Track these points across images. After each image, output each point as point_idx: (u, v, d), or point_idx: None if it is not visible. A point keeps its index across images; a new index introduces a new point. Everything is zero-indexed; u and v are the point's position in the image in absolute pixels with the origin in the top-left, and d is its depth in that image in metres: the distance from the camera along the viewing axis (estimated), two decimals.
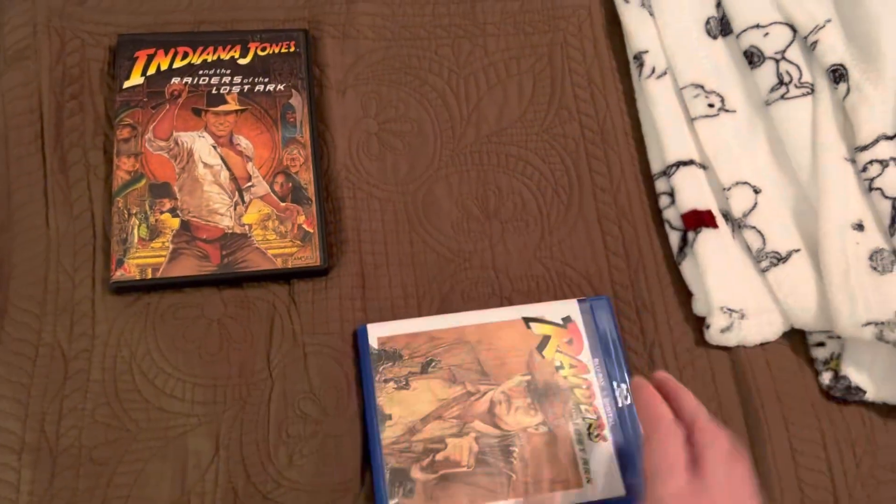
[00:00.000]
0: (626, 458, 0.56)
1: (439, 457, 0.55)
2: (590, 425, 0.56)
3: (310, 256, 0.59)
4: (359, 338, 0.57)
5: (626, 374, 0.58)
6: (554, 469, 0.54)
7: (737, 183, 0.62)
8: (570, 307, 0.60)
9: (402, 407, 0.55)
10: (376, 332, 0.57)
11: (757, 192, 0.62)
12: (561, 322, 0.59)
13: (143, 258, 0.57)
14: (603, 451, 0.55)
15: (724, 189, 0.62)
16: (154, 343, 0.56)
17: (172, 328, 0.57)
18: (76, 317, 0.56)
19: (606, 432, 0.56)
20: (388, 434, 0.55)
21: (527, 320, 0.59)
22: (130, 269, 0.57)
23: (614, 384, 0.58)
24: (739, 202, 0.61)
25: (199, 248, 0.58)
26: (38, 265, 0.57)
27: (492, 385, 0.57)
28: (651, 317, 0.61)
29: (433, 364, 0.57)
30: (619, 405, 0.57)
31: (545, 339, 0.59)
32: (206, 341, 0.57)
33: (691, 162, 0.63)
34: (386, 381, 0.56)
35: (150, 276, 0.57)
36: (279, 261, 0.58)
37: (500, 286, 0.61)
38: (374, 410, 0.55)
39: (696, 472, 0.43)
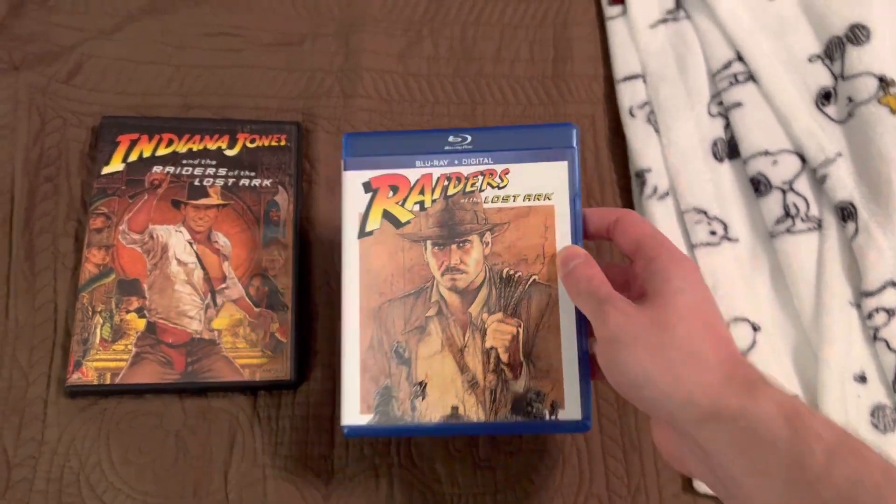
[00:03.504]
0: None
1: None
2: None
3: (280, 369, 0.55)
4: None
5: None
6: None
7: (735, 318, 0.59)
8: None
9: None
10: None
11: (756, 329, 0.59)
12: None
13: (103, 361, 0.54)
14: None
15: None
16: (106, 454, 0.53)
17: (127, 438, 0.53)
18: (26, 419, 0.53)
19: None
20: None
21: None
22: (88, 373, 0.53)
23: None
24: (737, 340, 0.58)
25: (164, 353, 0.55)
26: None
27: None
28: (638, 456, 0.57)
29: None
30: None
31: None
32: (162, 455, 0.53)
33: None
34: None
35: (108, 382, 0.53)
36: (247, 372, 0.55)
37: None
38: None
39: (650, 299, 0.40)
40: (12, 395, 0.54)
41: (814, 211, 0.61)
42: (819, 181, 0.62)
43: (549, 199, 0.49)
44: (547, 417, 0.47)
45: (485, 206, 0.49)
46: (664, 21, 0.70)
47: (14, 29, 0.64)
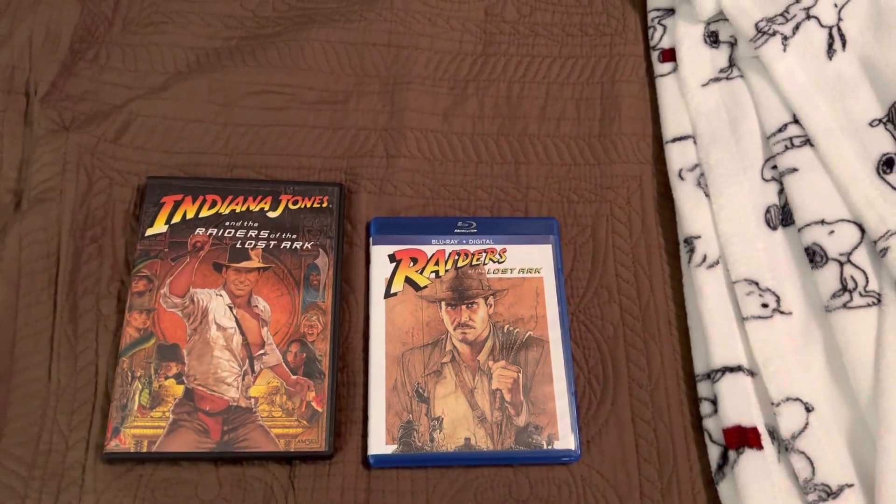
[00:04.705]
0: None
1: None
2: None
3: (314, 440, 0.55)
4: None
5: None
6: None
7: (787, 399, 0.56)
8: None
9: None
10: None
11: (809, 410, 0.56)
12: None
13: (141, 428, 0.54)
14: None
15: (773, 404, 0.56)
16: None
17: None
18: (64, 484, 0.53)
19: None
20: None
21: None
22: (126, 440, 0.53)
23: None
24: (788, 421, 0.56)
25: (201, 420, 0.55)
26: (33, 422, 0.55)
27: None
28: None
29: None
30: None
31: None
32: None
33: (739, 368, 0.58)
34: None
35: (144, 450, 0.53)
36: (282, 442, 0.54)
37: (517, 486, 0.56)
38: None
39: None
40: (52, 459, 0.54)
41: (873, 285, 0.59)
42: (879, 254, 0.59)
43: (538, 272, 0.62)
44: (545, 447, 0.56)
45: (488, 275, 0.61)
46: (717, 80, 0.68)
47: (66, 89, 0.65)
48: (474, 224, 0.63)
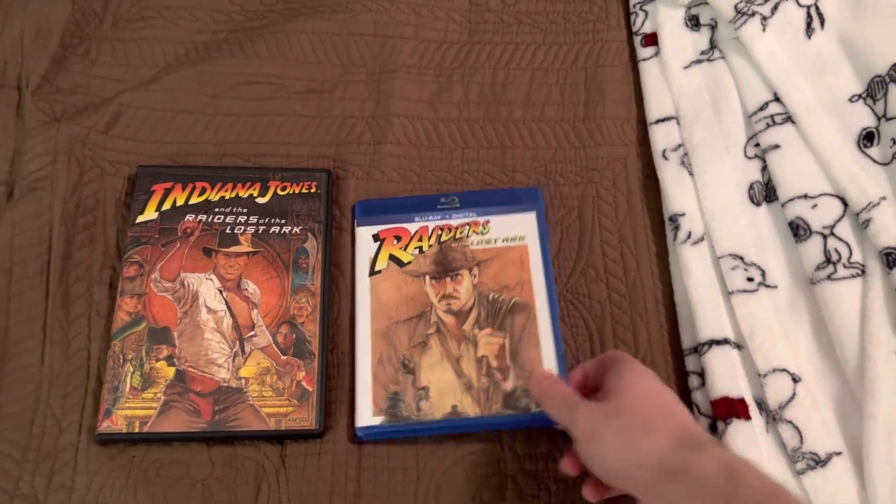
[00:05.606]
0: None
1: None
2: None
3: (305, 418, 0.55)
4: None
5: None
6: None
7: (774, 370, 0.57)
8: None
9: None
10: None
11: (796, 381, 0.57)
12: None
13: (133, 409, 0.54)
14: None
15: (760, 375, 0.57)
16: (133, 503, 0.53)
17: (154, 487, 0.54)
18: (57, 466, 0.54)
19: None
20: None
21: None
22: (118, 421, 0.54)
23: None
24: (776, 392, 0.56)
25: (192, 401, 0.55)
26: (27, 407, 0.55)
27: None
28: None
29: None
30: None
31: None
32: None
33: (725, 341, 0.58)
34: None
35: (136, 430, 0.54)
36: (272, 421, 0.55)
37: (506, 461, 0.57)
38: None
39: (612, 395, 0.47)
40: (45, 442, 0.54)
41: (856, 257, 0.59)
42: (862, 226, 0.59)
43: (522, 240, 0.62)
44: (533, 410, 0.56)
45: (472, 247, 0.62)
46: (698, 62, 0.69)
47: (57, 82, 0.66)
48: (457, 199, 0.63)
